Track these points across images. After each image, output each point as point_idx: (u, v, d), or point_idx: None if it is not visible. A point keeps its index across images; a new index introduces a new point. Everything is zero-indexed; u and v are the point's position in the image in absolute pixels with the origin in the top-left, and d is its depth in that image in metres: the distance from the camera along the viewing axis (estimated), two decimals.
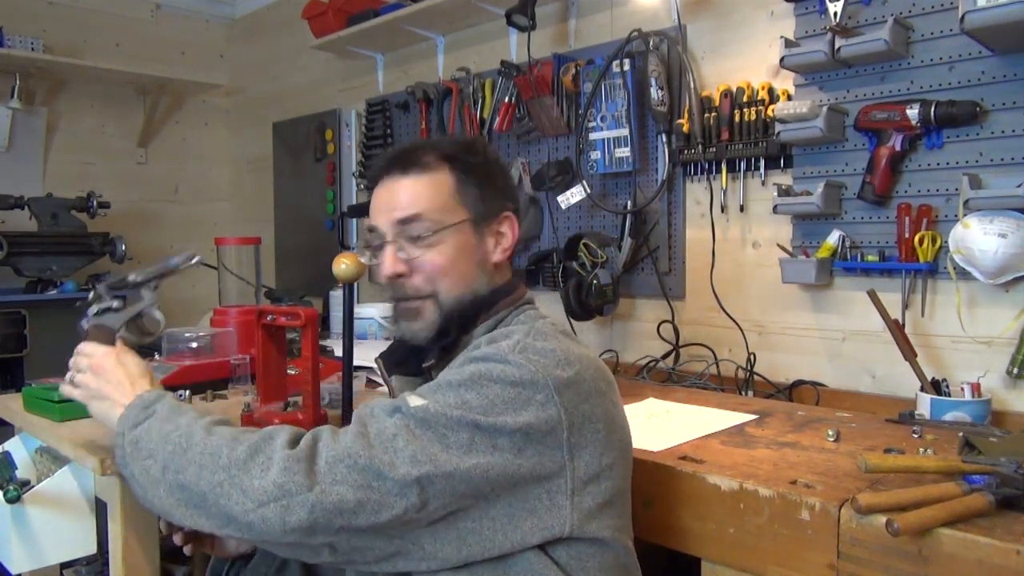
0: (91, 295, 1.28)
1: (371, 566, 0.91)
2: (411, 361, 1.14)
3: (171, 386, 1.72)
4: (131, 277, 1.26)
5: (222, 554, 1.21)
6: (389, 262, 1.06)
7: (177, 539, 1.14)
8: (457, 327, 1.07)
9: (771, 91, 1.89)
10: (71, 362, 1.14)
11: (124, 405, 1.02)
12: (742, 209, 1.98)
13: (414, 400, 0.91)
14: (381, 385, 1.91)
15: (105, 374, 1.08)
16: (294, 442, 0.90)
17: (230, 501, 0.87)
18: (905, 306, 1.70)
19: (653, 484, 1.24)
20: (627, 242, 2.15)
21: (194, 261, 1.28)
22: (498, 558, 0.91)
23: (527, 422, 0.90)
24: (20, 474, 1.51)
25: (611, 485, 0.98)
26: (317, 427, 0.93)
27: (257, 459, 0.88)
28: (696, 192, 2.10)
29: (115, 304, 1.26)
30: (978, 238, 1.53)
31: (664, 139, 2.08)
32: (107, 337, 1.17)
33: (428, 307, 1.06)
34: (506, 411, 0.90)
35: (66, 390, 1.13)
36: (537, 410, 0.91)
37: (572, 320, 2.12)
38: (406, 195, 1.06)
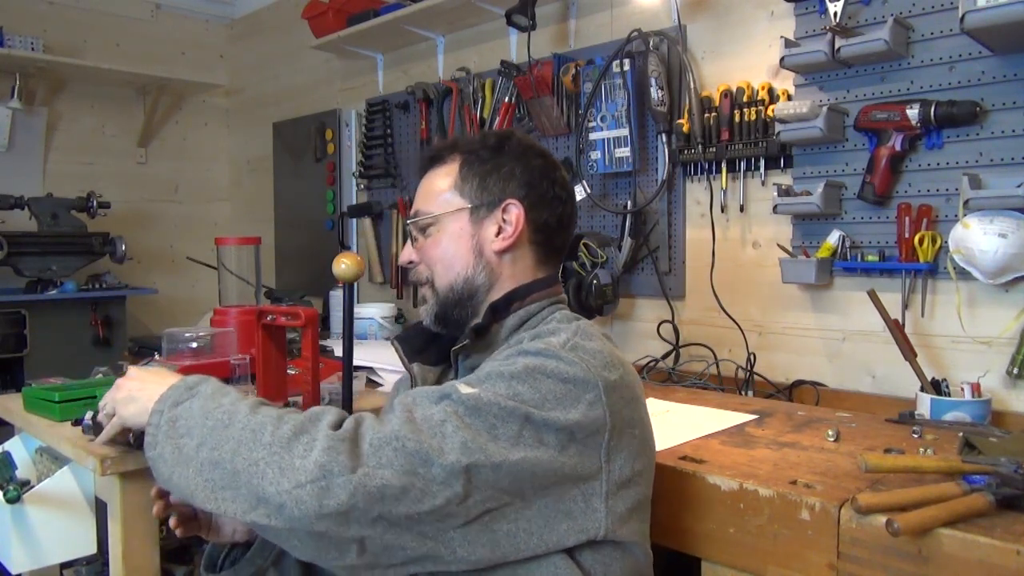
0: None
1: (397, 570, 0.87)
2: (431, 349, 1.15)
3: None
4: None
5: (217, 539, 1.17)
6: (405, 252, 1.14)
7: (172, 523, 1.10)
8: (497, 309, 1.07)
9: (771, 91, 1.89)
10: (101, 414, 1.11)
11: (159, 394, 0.96)
12: (742, 209, 1.98)
13: (464, 388, 0.90)
14: (381, 384, 1.91)
15: (127, 386, 1.03)
16: (339, 424, 0.88)
17: (263, 480, 0.82)
18: (905, 306, 1.70)
19: (653, 484, 1.24)
20: (627, 242, 2.15)
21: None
22: (523, 560, 0.90)
23: (576, 420, 0.90)
24: (20, 474, 1.51)
25: (639, 491, 0.99)
26: (359, 413, 0.91)
27: (301, 439, 0.84)
28: (696, 192, 2.10)
29: None
30: (978, 238, 1.53)
31: (664, 139, 2.08)
32: None
33: (428, 294, 1.12)
34: (557, 407, 0.90)
35: (102, 437, 1.11)
36: (586, 409, 0.91)
37: None
38: (418, 193, 1.14)
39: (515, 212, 1.08)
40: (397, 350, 1.17)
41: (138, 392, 1.00)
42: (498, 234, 1.08)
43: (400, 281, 2.89)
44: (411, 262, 1.13)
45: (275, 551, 1.15)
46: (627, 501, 0.96)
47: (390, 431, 0.84)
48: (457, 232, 1.09)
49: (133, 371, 1.05)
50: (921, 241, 1.64)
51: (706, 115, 1.98)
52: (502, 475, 0.85)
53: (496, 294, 1.09)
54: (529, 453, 0.87)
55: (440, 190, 1.11)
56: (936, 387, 1.59)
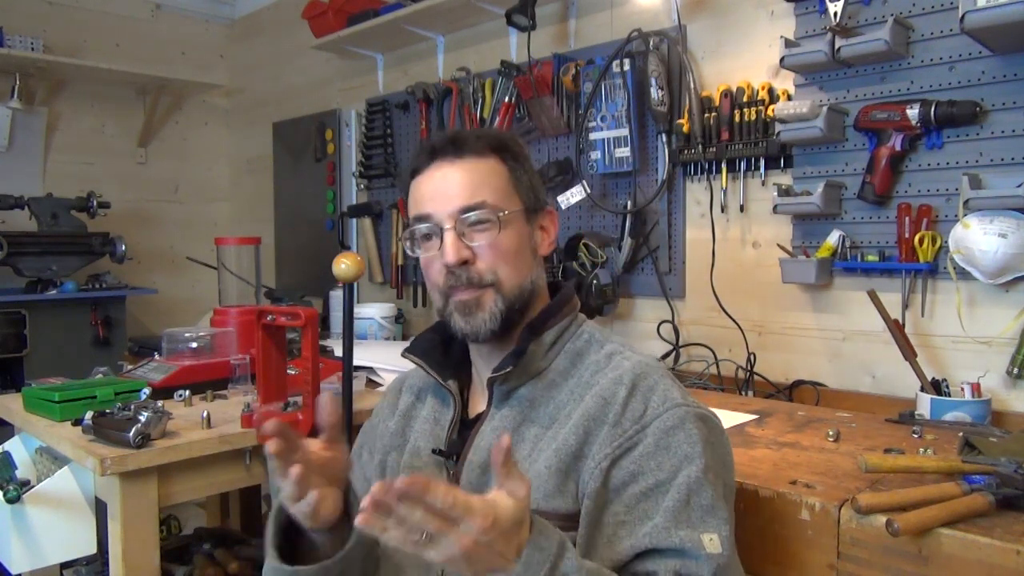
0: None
1: None
2: (446, 360, 1.09)
3: (171, 386, 1.73)
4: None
5: (310, 517, 0.89)
6: (453, 248, 0.98)
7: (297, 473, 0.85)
8: (520, 324, 1.01)
9: (771, 91, 1.89)
10: (413, 516, 0.69)
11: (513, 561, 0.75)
12: (742, 209, 1.98)
13: (712, 546, 0.87)
14: (381, 384, 1.91)
15: (494, 545, 0.72)
16: None
17: None
18: (905, 306, 1.70)
19: None
20: (627, 242, 2.15)
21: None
22: None
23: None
24: (20, 474, 1.52)
25: None
26: None
27: None
28: (696, 192, 2.10)
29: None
30: (978, 238, 1.53)
31: (664, 139, 2.08)
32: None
33: (488, 298, 0.99)
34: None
35: (432, 554, 0.72)
36: None
37: None
38: (466, 181, 0.99)
39: (552, 217, 1.08)
40: (424, 368, 1.08)
41: (492, 560, 0.74)
42: (542, 239, 1.06)
43: (400, 281, 2.89)
44: (465, 262, 0.99)
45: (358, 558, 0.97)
46: None
47: None
48: (519, 232, 1.02)
49: (500, 526, 0.72)
50: (921, 241, 1.64)
51: (706, 115, 1.98)
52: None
53: (535, 305, 1.04)
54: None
55: (498, 184, 1.01)
56: (936, 387, 1.59)
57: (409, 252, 1.04)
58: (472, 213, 0.98)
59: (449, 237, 0.98)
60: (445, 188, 1.00)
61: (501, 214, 0.99)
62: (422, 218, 1.00)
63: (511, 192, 1.02)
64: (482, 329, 0.99)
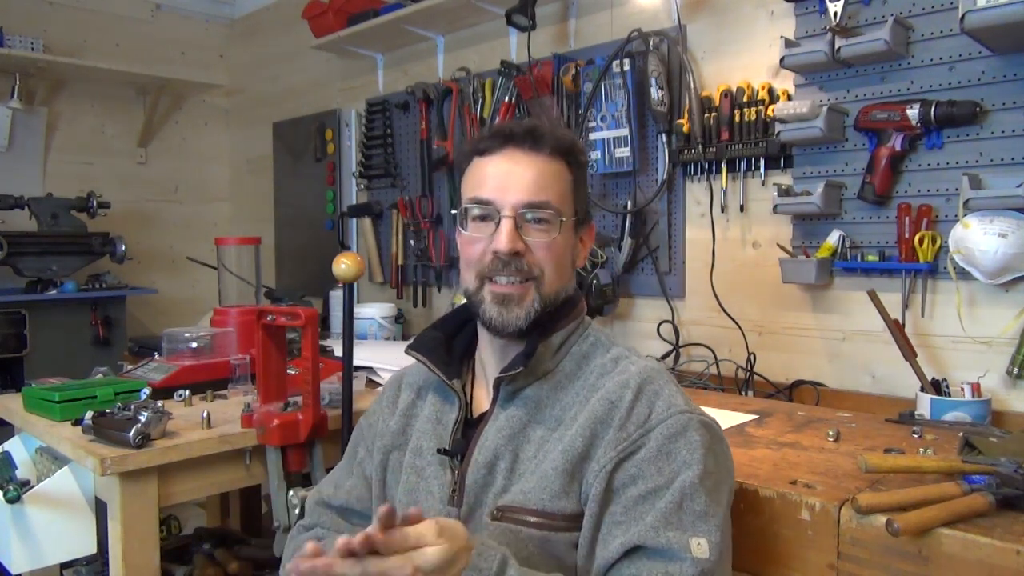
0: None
1: None
2: (451, 360, 1.09)
3: (171, 386, 1.72)
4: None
5: None
6: (509, 237, 0.98)
7: None
8: (543, 327, 1.02)
9: (771, 91, 1.89)
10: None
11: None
12: (742, 209, 1.98)
13: (699, 550, 0.87)
14: (381, 384, 1.91)
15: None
16: None
17: None
18: (905, 306, 1.70)
19: None
20: (627, 242, 2.15)
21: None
22: None
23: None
24: (20, 474, 1.52)
25: None
26: None
27: None
28: (696, 192, 2.10)
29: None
30: (978, 238, 1.53)
31: (664, 139, 2.08)
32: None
33: (530, 293, 1.00)
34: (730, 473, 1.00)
35: None
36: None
37: None
38: (536, 177, 1.00)
39: (591, 233, 1.10)
40: (430, 367, 1.07)
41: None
42: (580, 252, 1.09)
43: (400, 281, 2.89)
44: (517, 253, 0.99)
45: None
46: None
47: None
48: (567, 240, 1.03)
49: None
50: (921, 241, 1.64)
51: (706, 115, 1.98)
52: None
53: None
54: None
55: (562, 188, 1.03)
56: (936, 387, 1.59)
57: (461, 228, 1.04)
58: (535, 211, 0.99)
59: (507, 225, 0.98)
60: (514, 177, 1.00)
61: (562, 219, 1.01)
62: (483, 201, 1.01)
63: (570, 199, 1.04)
64: (513, 324, 1.00)
